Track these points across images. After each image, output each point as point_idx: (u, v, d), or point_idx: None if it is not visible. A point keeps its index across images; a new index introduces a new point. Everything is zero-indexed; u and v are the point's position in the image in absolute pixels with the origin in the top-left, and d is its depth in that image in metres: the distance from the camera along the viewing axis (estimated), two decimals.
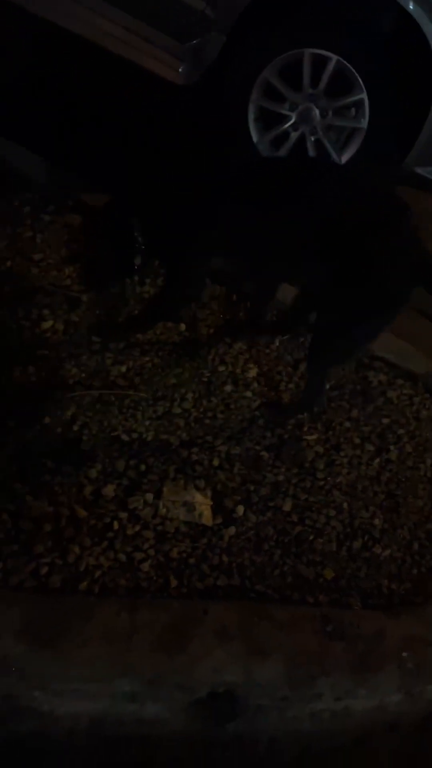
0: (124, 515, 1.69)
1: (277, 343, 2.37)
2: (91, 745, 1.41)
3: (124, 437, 1.86)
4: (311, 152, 2.90)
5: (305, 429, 2.17)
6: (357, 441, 2.23)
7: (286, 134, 2.91)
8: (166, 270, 2.14)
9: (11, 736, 1.37)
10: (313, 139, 2.90)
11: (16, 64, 2.72)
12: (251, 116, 2.89)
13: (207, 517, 1.80)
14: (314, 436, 2.16)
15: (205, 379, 2.14)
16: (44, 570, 1.52)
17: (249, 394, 2.17)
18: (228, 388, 2.15)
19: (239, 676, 1.53)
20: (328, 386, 2.34)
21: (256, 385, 2.21)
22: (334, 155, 2.90)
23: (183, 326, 2.24)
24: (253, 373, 2.24)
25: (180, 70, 2.78)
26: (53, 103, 2.78)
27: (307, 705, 1.60)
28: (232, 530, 1.81)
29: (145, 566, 1.63)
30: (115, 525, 1.66)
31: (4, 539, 1.53)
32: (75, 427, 1.81)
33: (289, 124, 2.88)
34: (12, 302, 1.99)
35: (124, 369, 2.02)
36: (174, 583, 1.63)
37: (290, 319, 2.27)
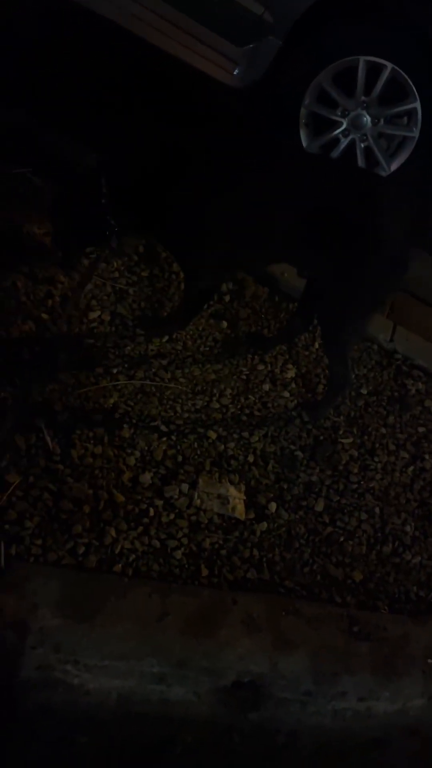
0: (159, 503, 1.74)
1: (317, 346, 2.39)
2: (119, 720, 1.45)
3: (163, 428, 1.90)
4: (360, 159, 2.92)
5: (341, 432, 2.19)
6: (392, 447, 2.23)
7: (336, 140, 2.93)
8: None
9: (44, 704, 1.42)
10: (363, 146, 2.92)
11: (73, 62, 2.80)
12: (302, 121, 2.92)
13: (240, 511, 1.83)
14: (350, 440, 2.18)
15: (244, 377, 2.17)
16: (81, 549, 1.57)
17: (286, 394, 2.20)
18: (266, 386, 2.18)
19: (264, 667, 1.56)
20: (365, 391, 2.36)
21: (294, 385, 2.24)
22: (383, 163, 2.91)
23: (225, 324, 2.28)
24: (291, 373, 2.26)
25: (234, 73, 2.82)
26: (106, 102, 2.85)
27: (330, 702, 1.62)
28: (263, 526, 1.84)
29: (178, 554, 1.67)
30: (151, 512, 1.71)
31: (45, 518, 1.59)
32: (116, 415, 1.86)
33: (339, 130, 2.90)
34: (63, 292, 2.05)
35: (165, 362, 2.07)
36: (205, 572, 1.67)
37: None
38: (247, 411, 2.08)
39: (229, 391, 2.10)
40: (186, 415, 1.97)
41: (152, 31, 2.78)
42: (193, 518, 1.75)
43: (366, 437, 2.22)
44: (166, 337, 2.12)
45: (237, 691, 1.55)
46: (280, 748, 1.60)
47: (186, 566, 1.66)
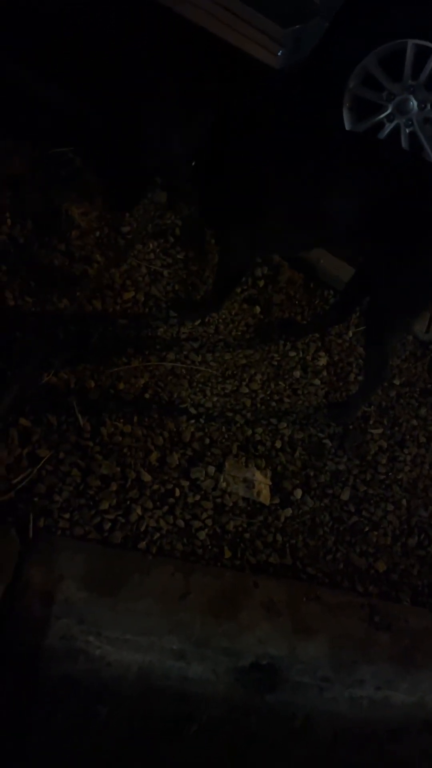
0: (185, 484, 1.75)
1: (351, 334, 2.37)
2: (138, 693, 1.48)
3: (192, 410, 1.92)
4: (405, 144, 2.85)
5: (371, 422, 2.17)
6: (423, 440, 2.21)
7: (380, 125, 2.87)
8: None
9: (67, 674, 1.46)
10: (408, 131, 2.85)
11: (116, 41, 2.80)
12: (346, 104, 2.87)
13: (265, 496, 1.84)
14: (379, 430, 2.16)
15: (275, 363, 2.16)
16: (107, 525, 1.60)
17: (317, 381, 2.19)
18: (297, 373, 2.17)
19: (283, 651, 1.57)
20: (398, 382, 2.33)
21: (325, 373, 2.22)
22: (428, 149, 2.84)
23: (258, 309, 2.27)
24: (323, 361, 2.25)
25: (279, 54, 2.78)
26: (148, 81, 2.85)
27: (347, 689, 1.63)
28: (288, 512, 1.84)
29: (202, 534, 1.69)
30: (177, 492, 1.73)
31: (73, 493, 1.62)
32: (146, 396, 1.88)
33: (384, 114, 2.84)
34: (99, 271, 2.08)
35: (197, 345, 2.07)
36: (228, 554, 1.69)
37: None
38: (276, 397, 2.08)
39: (259, 376, 2.10)
40: (215, 398, 1.97)
41: (195, 10, 2.75)
42: (218, 500, 1.76)
43: (396, 428, 2.19)
44: (199, 321, 2.13)
45: (255, 673, 1.57)
46: (296, 732, 1.61)
47: (209, 547, 1.68)
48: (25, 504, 1.55)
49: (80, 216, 2.14)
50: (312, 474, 1.95)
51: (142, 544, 1.61)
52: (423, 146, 2.85)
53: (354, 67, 2.78)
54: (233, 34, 2.70)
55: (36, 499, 1.57)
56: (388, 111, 2.84)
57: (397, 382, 2.33)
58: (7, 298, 1.88)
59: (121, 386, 1.86)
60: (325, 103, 2.90)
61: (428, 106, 2.78)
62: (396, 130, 2.87)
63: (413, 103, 2.80)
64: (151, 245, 2.24)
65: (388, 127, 2.87)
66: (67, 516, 1.57)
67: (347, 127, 2.89)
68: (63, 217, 2.12)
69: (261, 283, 2.35)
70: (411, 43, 2.65)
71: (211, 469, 1.81)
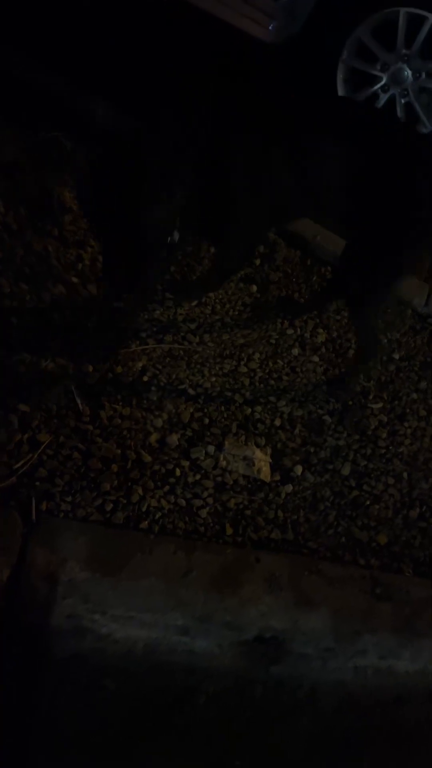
0: (186, 463, 1.77)
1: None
2: (145, 668, 1.52)
3: (191, 391, 1.93)
4: (400, 115, 2.82)
5: (371, 397, 2.18)
6: (423, 413, 2.21)
7: (375, 95, 2.83)
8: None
9: (75, 651, 1.50)
10: (403, 101, 2.81)
11: (105, 22, 2.77)
12: (340, 76, 2.83)
13: (265, 473, 1.85)
14: (379, 405, 2.17)
15: (273, 341, 2.17)
16: (109, 506, 1.63)
17: (316, 359, 2.19)
18: (295, 351, 2.18)
19: (286, 624, 1.60)
20: (397, 356, 2.33)
21: (324, 350, 2.23)
22: (423, 118, 2.81)
23: (254, 288, 2.27)
24: (321, 338, 2.25)
25: (270, 27, 2.74)
26: (137, 63, 2.82)
27: (351, 659, 1.66)
28: (289, 488, 1.86)
29: (203, 513, 1.71)
30: (177, 472, 1.75)
31: (75, 476, 1.64)
32: (145, 378, 1.89)
33: (379, 85, 2.81)
34: (93, 255, 2.08)
35: (194, 326, 2.08)
36: (229, 531, 1.71)
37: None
38: (275, 375, 2.09)
39: (257, 355, 2.11)
40: (213, 378, 1.99)
41: None
42: (219, 479, 1.78)
43: (396, 402, 2.20)
44: (195, 302, 2.13)
45: (259, 646, 1.60)
46: (301, 702, 1.65)
47: (211, 525, 1.70)
48: (27, 488, 1.57)
49: (72, 200, 2.13)
50: (312, 450, 1.97)
51: (144, 524, 1.63)
52: (419, 116, 2.82)
53: (347, 38, 2.74)
54: (222, 9, 2.67)
55: (37, 483, 1.59)
56: (383, 81, 2.80)
57: (396, 356, 2.33)
58: (2, 284, 1.89)
59: (119, 370, 1.88)
60: (319, 76, 2.86)
61: (423, 75, 2.74)
62: (391, 101, 2.83)
63: (408, 73, 2.76)
64: None
65: (384, 98, 2.83)
66: (68, 499, 1.59)
67: None
68: (55, 202, 2.12)
69: (257, 262, 2.35)
70: (403, 11, 2.61)
71: (211, 449, 1.83)
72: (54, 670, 1.50)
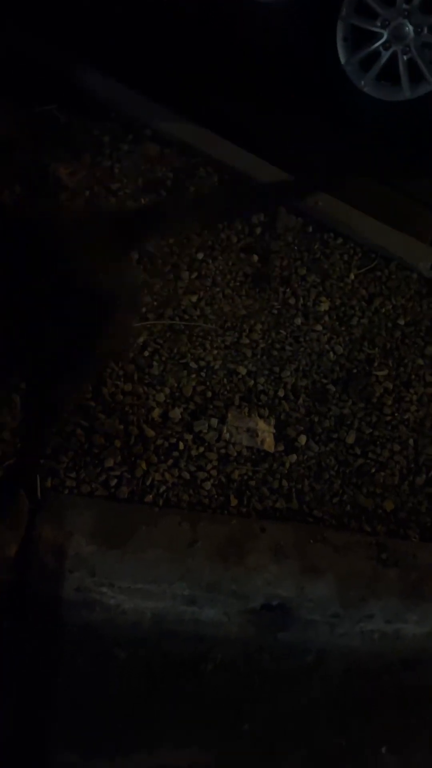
0: (189, 437, 1.78)
1: (352, 277, 2.33)
2: (154, 637, 1.55)
3: (193, 364, 1.93)
4: (403, 72, 2.73)
5: (376, 364, 2.16)
6: (429, 379, 2.18)
7: (377, 54, 2.74)
8: None
9: (85, 622, 1.54)
10: (405, 58, 2.72)
11: None
12: (340, 35, 2.74)
13: (269, 443, 1.85)
14: (384, 372, 2.14)
15: (275, 312, 2.15)
16: (114, 482, 1.64)
17: (319, 327, 2.17)
18: (298, 320, 2.16)
19: (292, 591, 1.62)
20: (402, 322, 2.30)
21: (327, 318, 2.20)
22: (427, 75, 2.71)
23: (255, 258, 2.24)
24: (324, 306, 2.22)
25: None
26: (137, 27, 2.77)
27: (358, 624, 1.67)
28: (293, 458, 1.86)
29: (207, 485, 1.72)
30: (181, 445, 1.76)
31: (79, 452, 1.66)
32: (146, 353, 1.89)
33: (380, 42, 2.71)
34: (90, 233, 2.07)
35: (195, 299, 2.07)
36: (234, 502, 1.72)
37: None
38: (278, 346, 2.07)
39: (259, 326, 2.09)
40: (215, 351, 1.98)
41: None
42: (222, 451, 1.79)
43: (402, 369, 2.18)
44: (195, 274, 2.11)
45: (266, 613, 1.62)
46: (309, 667, 1.68)
47: (215, 497, 1.71)
48: (32, 466, 1.59)
49: (68, 176, 2.12)
50: (316, 420, 1.96)
51: (149, 498, 1.65)
52: (422, 73, 2.72)
53: None
54: None
55: (42, 460, 1.61)
56: (384, 38, 2.71)
57: (401, 322, 2.29)
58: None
59: (120, 346, 1.87)
60: (317, 35, 2.78)
61: (425, 30, 2.64)
62: (393, 58, 2.74)
63: (409, 29, 2.66)
64: (143, 200, 2.21)
65: (385, 55, 2.74)
66: (73, 475, 1.61)
67: (342, 59, 2.77)
68: (51, 178, 2.10)
69: (258, 231, 2.32)
70: None
71: (214, 422, 1.83)
72: (66, 640, 1.53)
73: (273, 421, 1.90)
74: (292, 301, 2.19)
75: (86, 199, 2.13)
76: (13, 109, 2.27)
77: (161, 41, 2.79)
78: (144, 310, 1.98)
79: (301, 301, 2.21)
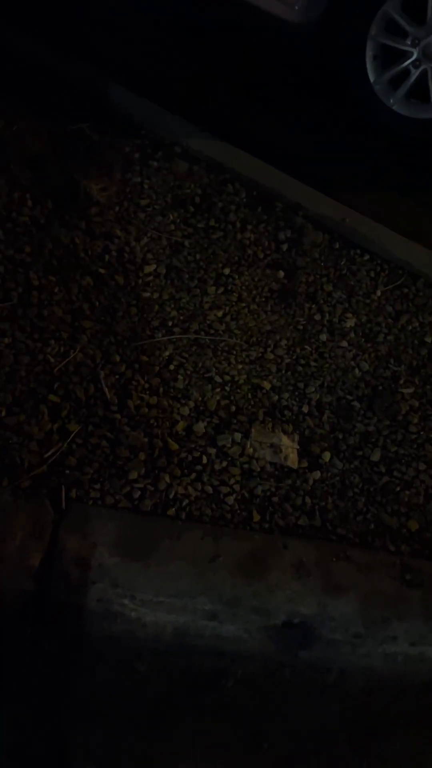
0: (212, 451, 1.78)
1: (379, 293, 2.32)
2: (174, 650, 1.55)
3: (217, 379, 1.94)
4: None
5: (402, 381, 2.14)
6: None
7: (406, 72, 2.75)
8: None
9: (106, 633, 1.54)
10: None
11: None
12: (369, 53, 2.76)
13: (293, 459, 1.85)
14: (410, 390, 2.13)
15: (301, 327, 2.15)
16: (137, 494, 1.66)
17: (345, 344, 2.17)
18: (323, 336, 2.16)
19: (314, 609, 1.60)
20: (429, 340, 2.28)
21: (353, 335, 2.20)
22: None
23: (281, 273, 2.25)
24: (350, 323, 2.22)
25: (296, 7, 2.69)
26: (165, 45, 2.82)
27: (380, 645, 1.65)
28: (317, 475, 1.85)
29: (230, 499, 1.72)
30: (204, 459, 1.76)
31: (103, 464, 1.68)
32: (171, 367, 1.91)
33: (410, 61, 2.73)
34: (120, 246, 2.10)
35: (220, 314, 2.08)
36: (257, 517, 1.72)
37: None
38: (303, 361, 2.08)
39: (284, 341, 2.10)
40: (240, 366, 1.99)
41: None
42: (246, 466, 1.79)
43: (428, 387, 2.16)
44: (222, 289, 2.13)
45: (287, 631, 1.61)
46: (331, 686, 1.66)
47: (238, 512, 1.71)
48: (57, 476, 1.62)
49: (99, 192, 2.16)
50: (341, 437, 1.96)
51: (172, 511, 1.66)
52: None
53: (375, 12, 2.67)
54: None
55: (67, 471, 1.63)
56: (414, 57, 2.72)
57: (428, 339, 2.28)
58: (31, 278, 1.93)
59: (146, 359, 1.90)
60: (346, 54, 2.80)
61: None
62: (423, 77, 2.75)
63: None
64: (171, 216, 2.24)
65: (415, 74, 2.75)
66: (97, 486, 1.63)
67: (371, 78, 2.78)
68: (82, 194, 2.15)
69: (284, 247, 2.33)
70: None
71: (238, 436, 1.83)
72: (86, 651, 1.54)
73: (297, 437, 1.90)
74: (317, 317, 2.19)
75: (116, 213, 2.16)
76: (46, 128, 2.33)
77: (191, 61, 2.85)
78: (170, 324, 2.00)
79: (327, 317, 2.21)
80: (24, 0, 2.63)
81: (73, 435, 1.69)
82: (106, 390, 1.80)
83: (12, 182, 2.12)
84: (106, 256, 2.06)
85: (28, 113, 2.34)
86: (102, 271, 2.03)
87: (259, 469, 1.80)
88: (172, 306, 2.04)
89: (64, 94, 2.41)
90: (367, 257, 2.41)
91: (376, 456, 1.95)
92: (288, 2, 2.70)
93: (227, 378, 1.95)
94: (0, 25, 2.51)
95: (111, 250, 2.08)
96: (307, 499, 1.80)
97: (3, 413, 1.67)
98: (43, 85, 2.43)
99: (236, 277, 2.18)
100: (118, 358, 1.87)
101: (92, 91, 2.43)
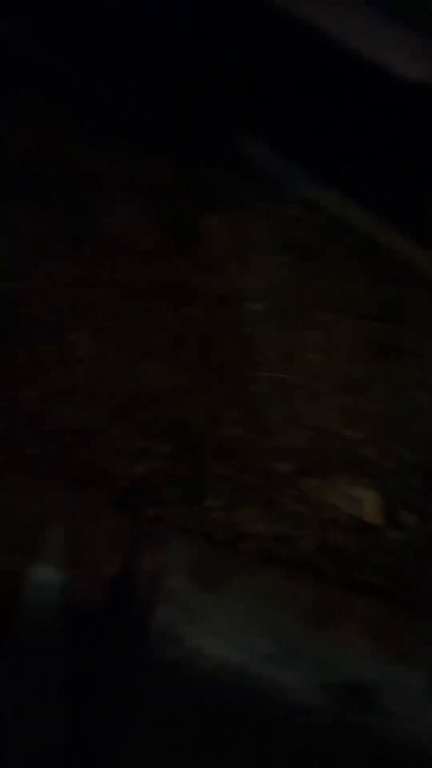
0: (292, 493, 1.78)
1: None
2: (230, 688, 1.52)
3: (307, 422, 1.94)
4: None
5: None
6: None
7: None
8: None
9: (166, 657, 1.54)
10: None
11: (258, 59, 2.89)
12: None
13: (374, 515, 1.81)
14: None
15: (396, 383, 2.12)
16: (213, 524, 1.67)
17: None
18: (420, 395, 2.11)
19: (379, 674, 1.54)
20: None
21: None
22: None
23: (383, 326, 2.24)
24: None
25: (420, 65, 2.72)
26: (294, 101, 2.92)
27: None
28: (397, 535, 1.80)
29: (305, 545, 1.70)
30: (284, 500, 1.76)
31: (185, 488, 1.71)
32: (263, 403, 1.93)
33: None
34: (223, 281, 2.18)
35: (318, 358, 2.09)
36: (330, 568, 1.68)
37: None
38: (394, 417, 2.04)
39: (378, 394, 2.07)
40: (330, 412, 1.98)
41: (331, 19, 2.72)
42: (324, 514, 1.77)
43: None
44: (322, 333, 2.15)
45: (347, 691, 1.55)
46: (388, 757, 1.57)
47: (311, 559, 1.69)
48: (141, 493, 1.66)
49: (212, 229, 2.25)
50: (427, 500, 1.89)
51: (246, 546, 1.65)
52: None
53: None
54: (377, 51, 2.68)
55: (151, 489, 1.68)
56: None
57: None
58: (148, 299, 2.03)
59: (239, 392, 1.93)
60: None
61: None
62: None
63: None
64: (281, 258, 2.30)
65: None
66: (176, 510, 1.66)
67: None
68: (196, 229, 2.25)
69: (390, 300, 2.32)
70: None
71: (321, 482, 1.82)
72: (144, 671, 1.55)
73: (380, 494, 1.86)
74: (418, 374, 2.15)
75: (229, 250, 2.24)
76: (170, 164, 2.47)
77: (311, 115, 2.92)
78: (267, 361, 2.03)
79: (427, 377, 2.17)
80: None
81: (161, 456, 1.74)
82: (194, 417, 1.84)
83: (136, 212, 2.26)
84: (213, 290, 2.14)
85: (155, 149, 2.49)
86: (207, 304, 2.10)
87: (337, 520, 1.77)
88: (271, 344, 2.07)
89: (193, 135, 2.55)
90: None
91: None
92: (413, 60, 2.73)
93: (316, 423, 1.95)
94: None
95: (217, 287, 2.16)
96: (384, 559, 1.75)
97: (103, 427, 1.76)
98: (168, 123, 2.58)
99: (337, 324, 2.19)
100: (211, 388, 1.92)
101: (223, 138, 2.55)
